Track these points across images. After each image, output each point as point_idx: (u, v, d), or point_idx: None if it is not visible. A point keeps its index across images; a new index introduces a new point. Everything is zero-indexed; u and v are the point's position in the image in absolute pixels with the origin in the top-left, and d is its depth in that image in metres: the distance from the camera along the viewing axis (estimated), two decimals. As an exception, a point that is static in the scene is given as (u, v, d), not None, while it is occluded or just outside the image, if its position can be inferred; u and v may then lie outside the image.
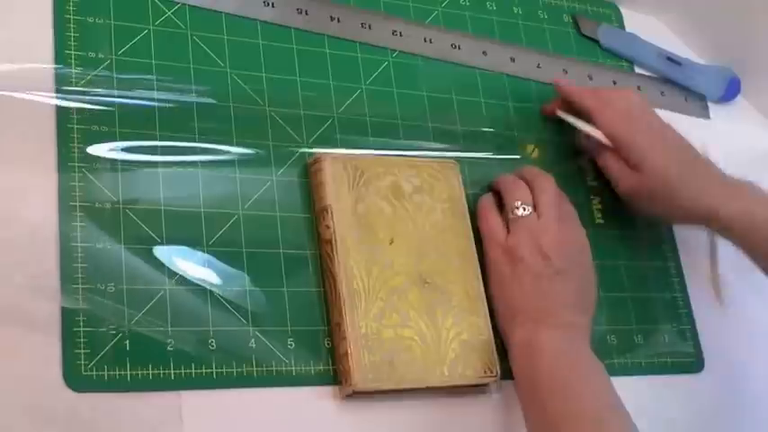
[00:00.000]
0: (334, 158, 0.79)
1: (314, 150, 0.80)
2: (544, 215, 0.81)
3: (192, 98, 0.77)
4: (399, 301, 0.77)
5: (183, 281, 0.72)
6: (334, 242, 0.76)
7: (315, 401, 0.73)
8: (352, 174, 0.79)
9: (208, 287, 0.73)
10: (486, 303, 0.80)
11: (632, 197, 0.87)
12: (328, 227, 0.76)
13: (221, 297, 0.73)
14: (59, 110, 0.72)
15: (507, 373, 0.79)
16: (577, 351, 0.77)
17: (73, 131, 0.72)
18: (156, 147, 0.75)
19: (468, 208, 0.83)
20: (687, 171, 0.84)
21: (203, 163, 0.76)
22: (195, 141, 0.76)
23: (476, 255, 0.81)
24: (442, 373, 0.76)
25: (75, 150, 0.72)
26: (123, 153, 0.73)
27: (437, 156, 0.85)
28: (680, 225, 0.93)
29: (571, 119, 0.89)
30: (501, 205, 0.84)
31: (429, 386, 0.76)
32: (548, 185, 0.83)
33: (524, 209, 0.81)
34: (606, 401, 0.75)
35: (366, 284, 0.76)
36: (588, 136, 0.88)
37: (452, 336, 0.78)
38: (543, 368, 0.75)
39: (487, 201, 0.84)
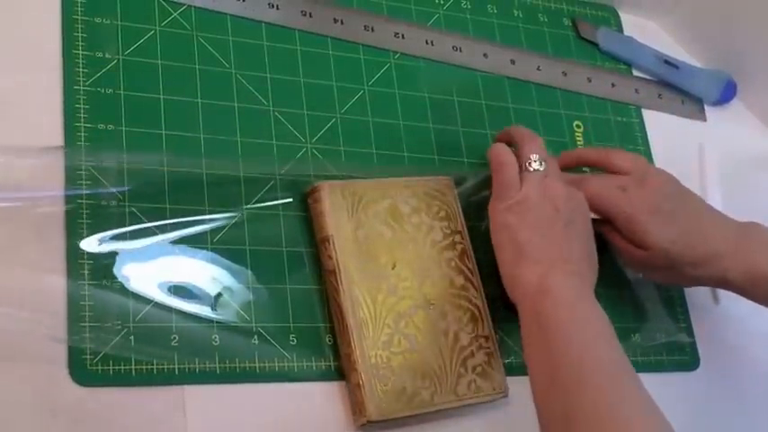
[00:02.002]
0: (332, 186, 0.78)
1: (316, 147, 0.81)
2: (551, 171, 0.80)
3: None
4: (406, 327, 0.77)
5: (186, 277, 0.73)
6: (337, 272, 0.76)
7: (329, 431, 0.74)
8: (351, 200, 0.78)
9: (211, 284, 0.74)
10: (491, 321, 0.80)
11: (639, 270, 0.87)
12: (331, 257, 0.76)
13: (224, 294, 0.74)
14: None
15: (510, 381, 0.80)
16: (587, 301, 0.75)
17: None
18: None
19: (465, 224, 0.83)
20: (691, 241, 0.83)
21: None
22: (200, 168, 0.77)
23: (477, 271, 0.82)
24: (453, 394, 0.76)
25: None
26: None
27: (437, 159, 0.86)
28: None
29: None
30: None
31: (440, 409, 0.76)
32: (543, 148, 0.82)
33: (540, 163, 0.79)
34: (616, 356, 0.71)
35: (372, 312, 0.76)
36: None
37: (460, 356, 0.78)
38: (553, 312, 0.72)
39: (505, 152, 0.81)
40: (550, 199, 0.78)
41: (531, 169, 0.79)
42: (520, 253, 0.77)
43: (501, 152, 0.81)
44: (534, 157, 0.80)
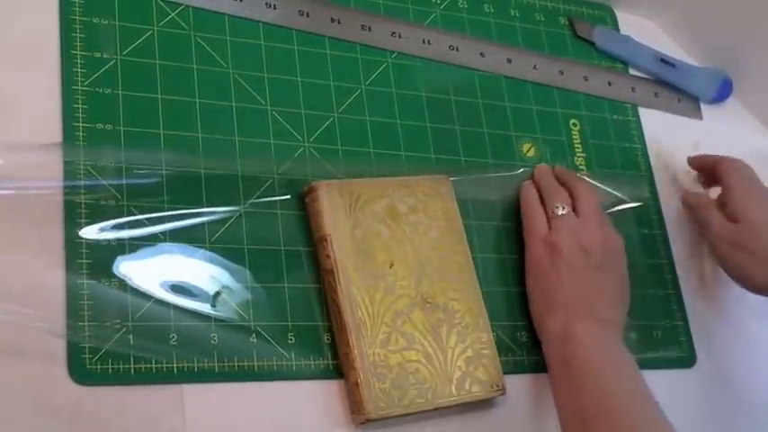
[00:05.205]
0: (330, 185, 0.78)
1: (314, 146, 0.82)
2: (584, 215, 0.83)
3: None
4: (404, 325, 0.77)
5: (185, 276, 0.73)
6: (335, 272, 0.76)
7: (328, 429, 0.75)
8: (348, 199, 0.78)
9: (209, 282, 0.74)
10: (488, 319, 0.81)
11: (726, 251, 0.87)
12: (329, 256, 0.76)
13: (223, 292, 0.74)
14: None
15: (512, 382, 0.80)
16: (611, 345, 0.79)
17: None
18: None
19: (463, 224, 0.83)
20: None
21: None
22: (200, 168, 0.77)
23: (474, 270, 0.82)
24: (450, 392, 0.77)
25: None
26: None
27: (434, 158, 0.87)
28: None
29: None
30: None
31: (438, 407, 0.76)
32: (587, 191, 0.86)
33: (563, 208, 0.83)
34: (638, 395, 0.75)
35: (370, 311, 0.76)
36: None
37: (457, 354, 0.78)
38: (577, 359, 0.77)
39: (532, 196, 0.86)
40: (581, 243, 0.81)
41: (558, 214, 0.83)
42: (548, 298, 0.81)
43: (531, 203, 0.85)
44: (557, 203, 0.84)
